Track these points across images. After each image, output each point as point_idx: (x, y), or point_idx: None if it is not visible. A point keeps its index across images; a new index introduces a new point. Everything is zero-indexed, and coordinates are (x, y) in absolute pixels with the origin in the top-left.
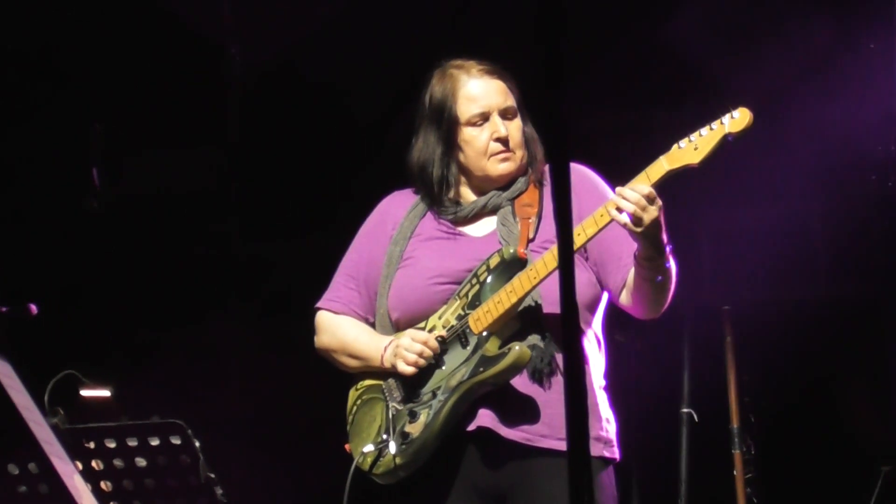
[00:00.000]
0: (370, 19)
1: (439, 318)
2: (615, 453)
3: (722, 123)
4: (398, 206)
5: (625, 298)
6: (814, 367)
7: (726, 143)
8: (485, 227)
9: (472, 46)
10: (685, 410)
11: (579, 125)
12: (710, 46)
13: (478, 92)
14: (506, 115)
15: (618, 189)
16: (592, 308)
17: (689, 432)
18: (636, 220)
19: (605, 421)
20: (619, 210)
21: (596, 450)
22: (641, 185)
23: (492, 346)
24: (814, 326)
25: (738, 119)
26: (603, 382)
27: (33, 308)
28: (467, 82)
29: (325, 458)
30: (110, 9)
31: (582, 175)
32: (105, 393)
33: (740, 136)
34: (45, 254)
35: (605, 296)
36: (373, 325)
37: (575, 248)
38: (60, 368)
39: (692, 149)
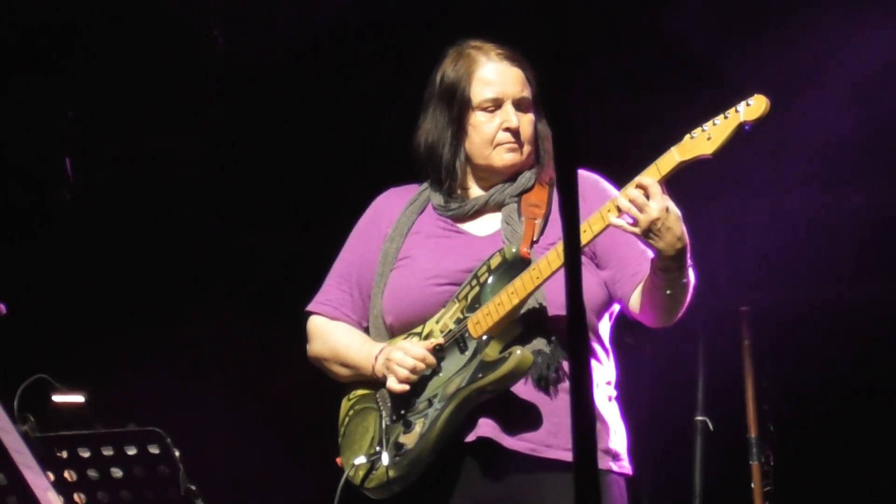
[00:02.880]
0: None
1: (437, 322)
2: (625, 467)
3: (737, 111)
4: (394, 203)
5: (634, 303)
6: (837, 372)
7: (742, 132)
8: (488, 225)
9: (471, 23)
10: (700, 419)
11: (583, 115)
12: (722, 31)
13: (494, 77)
14: (520, 105)
15: (623, 190)
16: (600, 313)
17: (703, 442)
18: (636, 221)
19: (614, 433)
20: (620, 213)
21: (604, 463)
22: (646, 178)
23: (492, 351)
24: (837, 329)
25: (753, 106)
26: (613, 392)
27: (2, 307)
28: (485, 64)
29: (315, 472)
30: None
31: (592, 182)
32: (78, 398)
33: (757, 125)
34: (15, 249)
35: (616, 307)
36: (367, 330)
37: (581, 244)
38: (31, 372)
39: (705, 139)
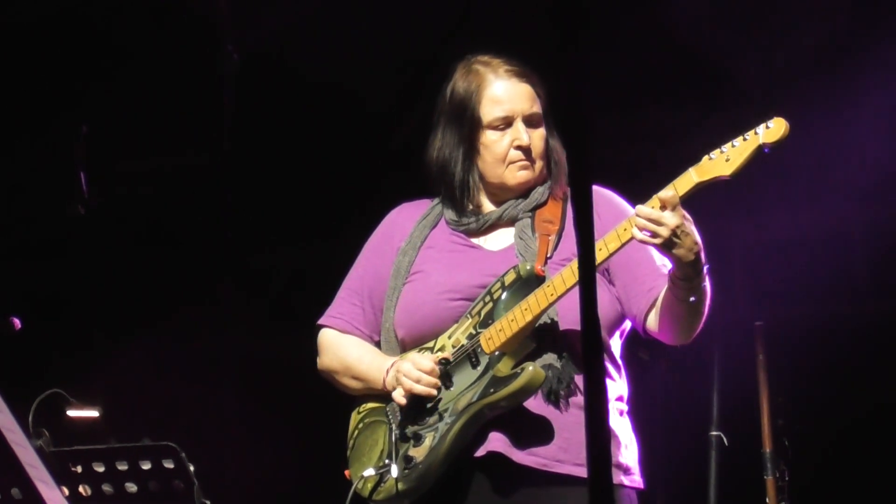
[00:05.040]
0: (374, 10)
1: (449, 337)
2: (636, 481)
3: (756, 134)
4: (406, 217)
5: (652, 322)
6: (852, 387)
7: (761, 154)
8: (501, 239)
9: (483, 36)
10: (714, 433)
11: (597, 128)
12: (739, 43)
13: (503, 94)
14: (530, 122)
15: (637, 207)
16: (612, 329)
17: (718, 457)
18: (654, 234)
19: (625, 447)
20: (641, 229)
21: (615, 477)
22: (664, 192)
23: (504, 367)
24: (852, 344)
25: (773, 129)
26: (624, 407)
27: (16, 322)
28: (493, 82)
29: (327, 485)
30: (101, 5)
31: (607, 198)
32: (93, 413)
33: (776, 147)
34: (29, 264)
35: (627, 324)
36: (378, 344)
37: (597, 262)
38: (45, 387)
39: (724, 160)
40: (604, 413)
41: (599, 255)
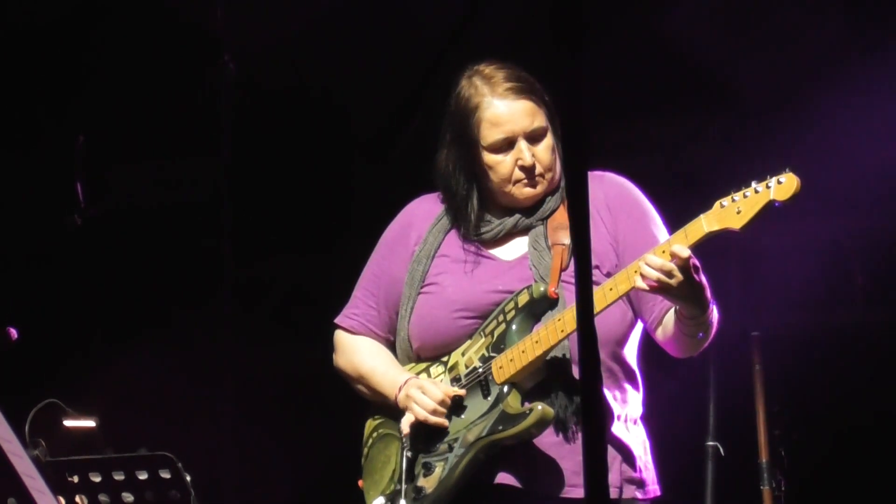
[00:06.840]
0: (372, 22)
1: (462, 354)
2: (650, 492)
3: (767, 188)
4: (423, 215)
5: (659, 336)
6: (849, 397)
7: (772, 208)
8: (515, 248)
9: (481, 50)
10: (711, 443)
11: (599, 139)
12: (741, 53)
13: (502, 115)
14: (533, 137)
15: (645, 256)
16: (623, 340)
17: (714, 467)
18: (662, 287)
19: (638, 458)
20: (644, 277)
21: (629, 492)
22: (677, 246)
23: (513, 402)
24: (849, 354)
25: (784, 185)
26: (638, 413)
27: (13, 332)
28: (492, 103)
29: (323, 495)
30: (97, 14)
31: (618, 188)
32: (89, 423)
33: (788, 203)
34: (26, 274)
35: (640, 325)
36: (393, 343)
37: (607, 302)
38: (42, 397)
39: (734, 211)
40: (602, 443)
41: (610, 296)
